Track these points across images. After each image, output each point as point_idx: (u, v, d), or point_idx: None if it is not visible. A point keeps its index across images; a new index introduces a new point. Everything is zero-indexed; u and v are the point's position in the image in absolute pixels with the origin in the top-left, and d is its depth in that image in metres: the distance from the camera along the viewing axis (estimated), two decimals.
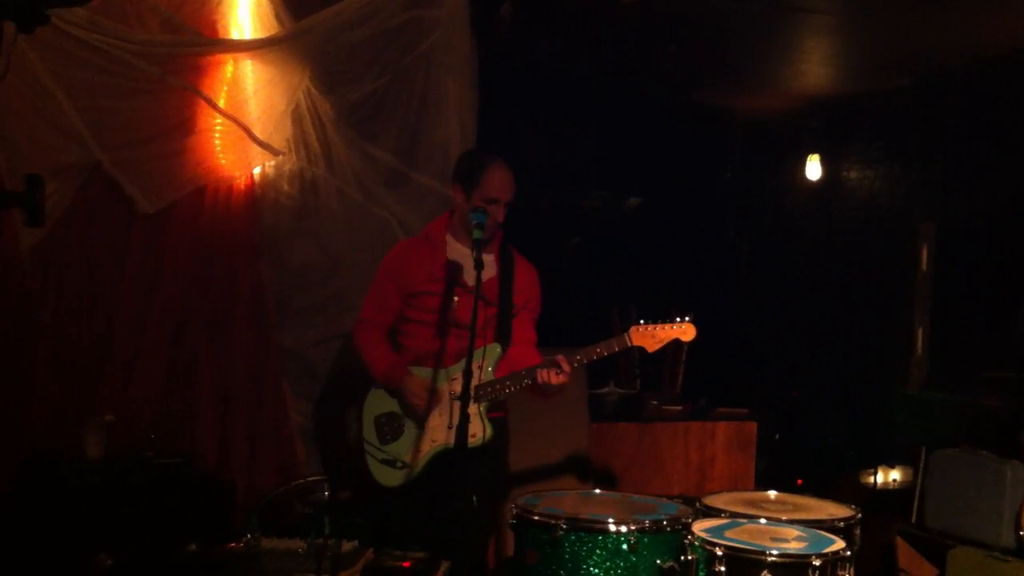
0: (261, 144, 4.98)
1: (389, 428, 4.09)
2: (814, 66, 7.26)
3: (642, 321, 3.90)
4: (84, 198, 4.81)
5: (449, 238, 4.20)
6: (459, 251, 4.15)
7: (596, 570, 3.50)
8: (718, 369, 7.43)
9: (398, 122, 5.25)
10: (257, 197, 5.12)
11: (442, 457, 4.01)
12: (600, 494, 4.22)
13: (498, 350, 4.07)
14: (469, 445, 3.50)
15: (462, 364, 3.95)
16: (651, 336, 3.90)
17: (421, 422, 4.05)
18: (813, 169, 8.14)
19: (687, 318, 3.92)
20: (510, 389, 3.99)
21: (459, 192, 4.12)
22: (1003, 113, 6.42)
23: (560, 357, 3.89)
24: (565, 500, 3.98)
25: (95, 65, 4.66)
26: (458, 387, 3.99)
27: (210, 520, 4.44)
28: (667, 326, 3.90)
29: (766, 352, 8.15)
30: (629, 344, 3.90)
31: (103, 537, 4.01)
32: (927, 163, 7.10)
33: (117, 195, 4.83)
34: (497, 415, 4.10)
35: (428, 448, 4.03)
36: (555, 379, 3.89)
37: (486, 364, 4.01)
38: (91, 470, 4.41)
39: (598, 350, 3.92)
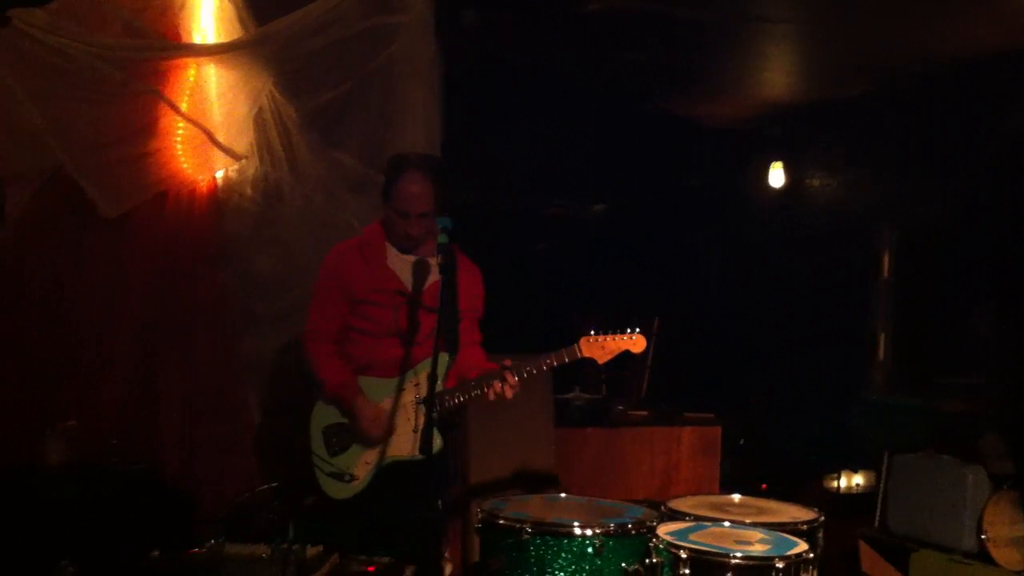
0: (224, 148, 4.95)
1: (337, 439, 4.00)
2: (776, 74, 7.31)
3: (592, 332, 3.87)
4: (42, 205, 4.76)
5: (388, 244, 4.05)
6: (395, 256, 4.02)
7: (562, 573, 3.49)
8: (683, 374, 7.46)
9: (363, 127, 5.22)
10: (220, 202, 5.09)
11: (396, 467, 3.94)
12: (566, 498, 4.21)
13: (446, 360, 3.92)
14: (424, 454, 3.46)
15: (409, 375, 3.93)
16: (600, 347, 3.86)
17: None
18: (776, 176, 8.21)
19: (637, 329, 3.89)
20: (459, 399, 3.92)
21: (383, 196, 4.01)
22: (963, 120, 6.49)
23: (508, 371, 3.84)
24: (530, 504, 3.97)
25: (56, 68, 4.61)
26: (407, 398, 3.96)
27: (173, 527, 4.41)
28: (617, 337, 3.87)
29: (731, 357, 8.19)
30: (579, 355, 3.85)
31: (67, 545, 3.97)
32: (888, 169, 7.17)
33: (75, 201, 4.79)
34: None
35: (376, 459, 3.94)
36: (503, 391, 3.85)
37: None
38: (54, 478, 4.36)
39: (548, 361, 3.86)
